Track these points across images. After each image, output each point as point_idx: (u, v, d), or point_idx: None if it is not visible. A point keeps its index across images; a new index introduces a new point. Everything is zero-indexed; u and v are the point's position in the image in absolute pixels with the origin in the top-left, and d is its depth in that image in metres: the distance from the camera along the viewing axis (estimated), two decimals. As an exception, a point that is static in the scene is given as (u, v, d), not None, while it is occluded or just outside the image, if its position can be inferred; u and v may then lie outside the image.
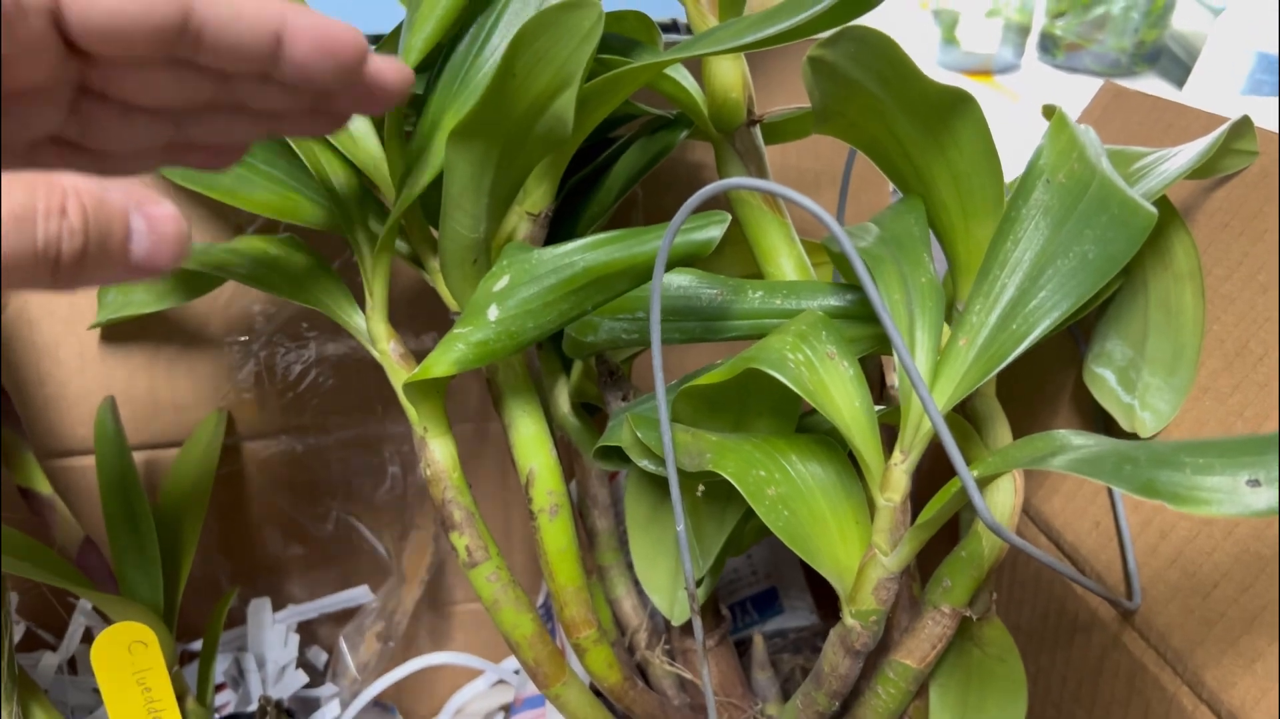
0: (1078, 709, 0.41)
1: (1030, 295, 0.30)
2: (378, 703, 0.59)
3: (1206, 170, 0.41)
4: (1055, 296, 0.30)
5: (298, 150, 0.37)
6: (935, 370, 0.31)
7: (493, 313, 0.34)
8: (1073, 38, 1.01)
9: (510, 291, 0.34)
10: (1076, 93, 0.98)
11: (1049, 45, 1.07)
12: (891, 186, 0.58)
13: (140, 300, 0.44)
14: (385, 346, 0.37)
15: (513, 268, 0.34)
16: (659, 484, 0.42)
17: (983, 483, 0.31)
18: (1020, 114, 1.00)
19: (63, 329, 0.49)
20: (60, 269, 0.22)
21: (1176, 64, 1.00)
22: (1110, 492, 0.39)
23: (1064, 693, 0.42)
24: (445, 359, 0.34)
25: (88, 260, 0.22)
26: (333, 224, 0.39)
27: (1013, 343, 0.30)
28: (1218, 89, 0.94)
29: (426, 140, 0.36)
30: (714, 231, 0.32)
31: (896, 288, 0.32)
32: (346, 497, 0.56)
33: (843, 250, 0.27)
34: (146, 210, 0.23)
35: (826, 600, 0.61)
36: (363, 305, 0.39)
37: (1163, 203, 0.38)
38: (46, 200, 0.22)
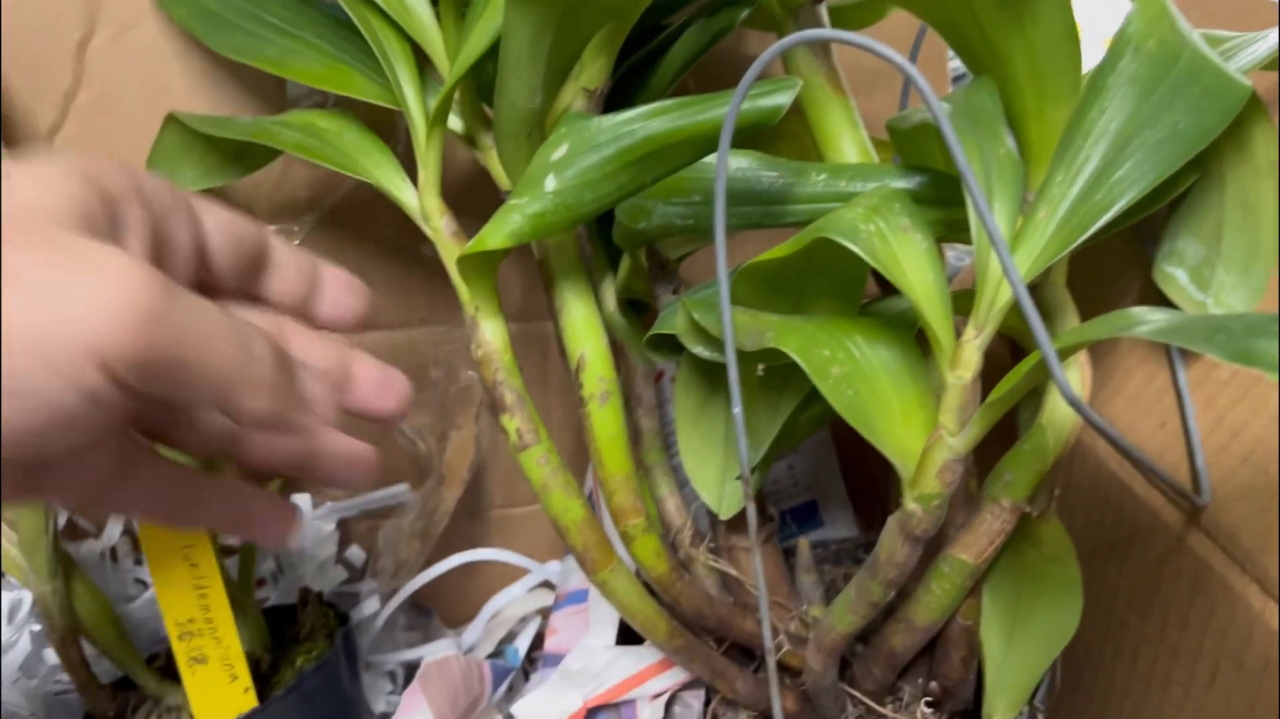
0: (1132, 616, 0.40)
1: (1116, 165, 0.29)
2: (415, 605, 0.59)
3: (1293, 60, 0.39)
4: (1143, 167, 0.28)
5: (352, 15, 0.36)
6: (1013, 243, 0.30)
7: (550, 183, 0.33)
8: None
9: (568, 161, 0.32)
10: None
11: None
12: (952, 81, 0.56)
13: (188, 177, 0.43)
14: (438, 223, 0.36)
15: (571, 136, 0.33)
16: (710, 376, 0.41)
17: (1061, 355, 0.29)
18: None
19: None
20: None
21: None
22: (1177, 389, 0.38)
23: (1117, 599, 0.41)
24: (500, 231, 0.33)
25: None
26: (384, 96, 0.38)
27: (1095, 214, 0.28)
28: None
29: (483, 7, 0.35)
30: (782, 98, 0.30)
31: (974, 160, 0.31)
32: (387, 395, 0.56)
33: (925, 104, 0.26)
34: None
35: (867, 513, 0.61)
36: (415, 182, 0.38)
37: (1247, 91, 0.36)
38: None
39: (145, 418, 0.29)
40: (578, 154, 0.32)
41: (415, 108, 0.36)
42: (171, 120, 0.42)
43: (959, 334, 0.30)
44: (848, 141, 0.38)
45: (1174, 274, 0.39)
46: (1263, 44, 0.36)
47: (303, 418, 0.27)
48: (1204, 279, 0.38)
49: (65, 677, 0.50)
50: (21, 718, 0.48)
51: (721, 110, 0.30)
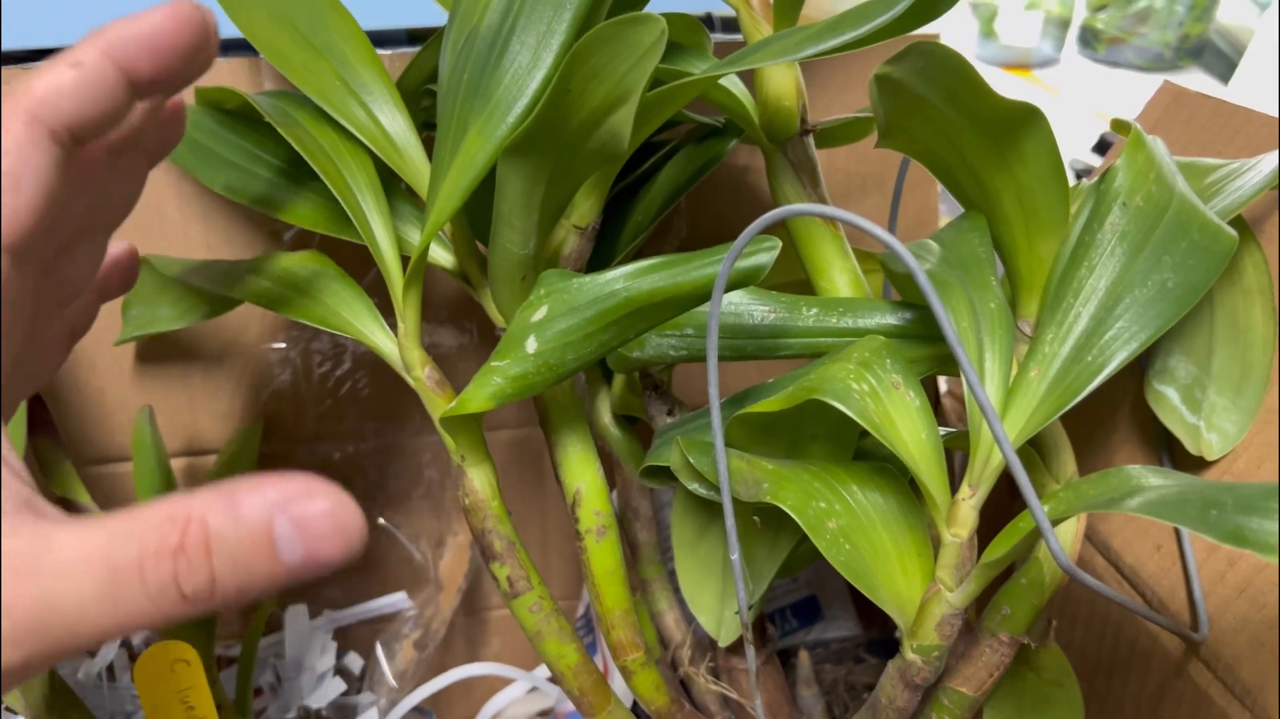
0: (1135, 736, 0.40)
1: (1106, 326, 0.29)
2: (416, 709, 0.59)
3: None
4: (1133, 327, 0.29)
5: (311, 160, 0.36)
6: (1005, 402, 0.30)
7: (531, 345, 0.32)
8: (1114, 31, 0.98)
9: (548, 323, 0.32)
10: (1118, 88, 0.96)
11: (1089, 39, 1.05)
12: (940, 188, 0.57)
13: (164, 317, 0.43)
14: (420, 374, 0.36)
15: (550, 298, 0.33)
16: (707, 504, 0.41)
17: (1053, 522, 0.29)
18: (1060, 109, 0.98)
19: (99, 335, 0.48)
20: (189, 603, 0.20)
21: (1221, 59, 0.97)
22: (1174, 516, 0.38)
23: (1121, 717, 0.41)
24: (482, 393, 0.33)
25: (221, 586, 0.20)
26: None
27: (1088, 376, 0.29)
28: (1264, 83, 0.91)
29: (451, 155, 0.35)
30: (762, 259, 0.30)
31: (964, 314, 0.31)
32: (384, 503, 0.56)
33: (910, 273, 0.26)
34: (294, 512, 0.20)
35: (869, 609, 0.60)
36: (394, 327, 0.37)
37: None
38: (158, 543, 0.20)
39: None
40: (557, 316, 0.32)
41: (391, 259, 0.36)
42: (145, 263, 0.42)
43: (955, 489, 0.30)
44: (838, 271, 0.39)
45: (1165, 393, 0.39)
46: (1249, 176, 0.36)
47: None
48: (1195, 401, 0.38)
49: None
50: None
51: (705, 272, 0.30)
